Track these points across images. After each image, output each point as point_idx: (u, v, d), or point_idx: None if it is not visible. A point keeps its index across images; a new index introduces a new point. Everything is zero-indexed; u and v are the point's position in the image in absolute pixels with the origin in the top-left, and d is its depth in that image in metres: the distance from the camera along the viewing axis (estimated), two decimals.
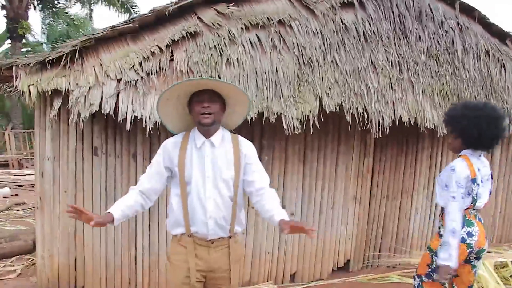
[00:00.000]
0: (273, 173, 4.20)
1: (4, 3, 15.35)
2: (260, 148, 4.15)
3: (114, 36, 3.76)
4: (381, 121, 4.10)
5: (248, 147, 2.33)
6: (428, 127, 4.37)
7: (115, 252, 3.93)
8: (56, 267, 3.90)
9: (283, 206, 4.25)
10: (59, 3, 17.73)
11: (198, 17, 4.02)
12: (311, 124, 3.81)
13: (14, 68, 3.53)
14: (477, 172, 2.70)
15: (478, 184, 2.69)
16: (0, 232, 5.54)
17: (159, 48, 3.69)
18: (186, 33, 3.79)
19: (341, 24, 4.38)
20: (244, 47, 3.87)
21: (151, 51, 3.66)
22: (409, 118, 4.27)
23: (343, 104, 3.97)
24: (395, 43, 4.65)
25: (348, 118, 3.98)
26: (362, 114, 4.04)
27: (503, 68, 5.32)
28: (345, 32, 4.37)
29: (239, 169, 2.27)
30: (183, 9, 4.01)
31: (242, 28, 3.97)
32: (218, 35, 3.87)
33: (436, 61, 4.81)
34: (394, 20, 4.76)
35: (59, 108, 3.51)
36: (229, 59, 3.76)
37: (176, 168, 2.25)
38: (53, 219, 3.86)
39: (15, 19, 15.30)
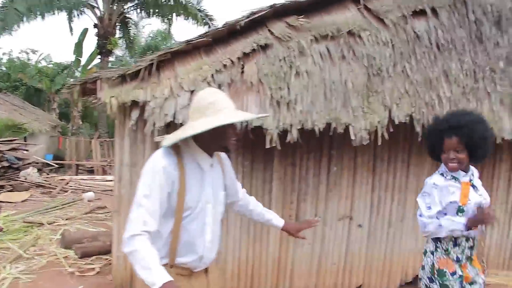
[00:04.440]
0: (341, 183, 4.19)
1: (96, 22, 17.02)
2: (329, 159, 4.16)
3: (189, 50, 3.94)
4: None
5: (227, 160, 2.20)
6: (505, 138, 4.12)
7: None
8: (129, 267, 4.09)
9: (351, 218, 4.28)
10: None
11: (269, 30, 4.11)
12: (379, 135, 3.76)
13: (98, 82, 3.80)
14: None
15: None
16: (84, 232, 5.99)
17: (231, 60, 3.82)
18: (257, 45, 3.90)
19: (412, 33, 4.29)
20: (313, 58, 3.91)
21: (223, 63, 3.79)
22: None
23: (413, 115, 3.88)
24: (470, 51, 4.46)
25: (419, 129, 3.87)
26: None
27: None
28: (416, 41, 4.27)
29: (225, 186, 2.14)
30: (254, 23, 4.12)
31: (311, 40, 4.02)
32: (288, 47, 3.94)
33: None
34: (470, 27, 4.58)
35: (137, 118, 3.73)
36: (298, 70, 3.81)
37: (176, 194, 1.86)
38: None
39: (105, 36, 17.00)
